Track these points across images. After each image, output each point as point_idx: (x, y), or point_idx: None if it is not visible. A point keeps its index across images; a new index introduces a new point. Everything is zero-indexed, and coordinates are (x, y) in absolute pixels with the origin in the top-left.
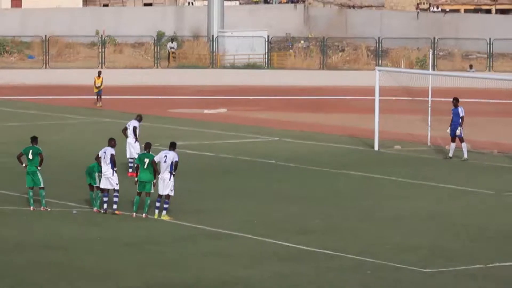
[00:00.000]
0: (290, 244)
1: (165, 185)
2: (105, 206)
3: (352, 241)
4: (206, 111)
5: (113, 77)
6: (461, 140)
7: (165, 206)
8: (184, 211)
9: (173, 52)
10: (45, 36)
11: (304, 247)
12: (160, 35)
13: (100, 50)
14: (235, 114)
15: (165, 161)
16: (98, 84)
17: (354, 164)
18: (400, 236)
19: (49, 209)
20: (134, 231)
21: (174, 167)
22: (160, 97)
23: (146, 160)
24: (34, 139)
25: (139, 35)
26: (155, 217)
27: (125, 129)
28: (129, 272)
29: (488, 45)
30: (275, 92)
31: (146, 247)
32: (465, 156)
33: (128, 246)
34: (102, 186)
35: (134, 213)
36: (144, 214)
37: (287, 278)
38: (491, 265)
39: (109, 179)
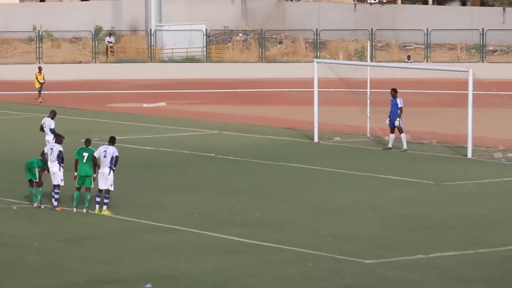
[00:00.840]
0: (231, 237)
1: (105, 179)
2: (55, 203)
3: (293, 233)
4: (145, 105)
5: (51, 72)
6: (400, 130)
7: (105, 201)
8: (124, 206)
9: (111, 47)
10: None
11: (246, 240)
12: (97, 30)
13: (37, 45)
14: (174, 107)
15: (104, 156)
16: (41, 80)
17: (294, 156)
18: (341, 228)
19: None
20: (75, 227)
21: (114, 162)
22: (98, 91)
23: (85, 154)
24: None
25: (77, 30)
26: (96, 212)
27: (42, 127)
28: (71, 267)
29: (426, 36)
30: (214, 85)
31: (87, 242)
32: (405, 146)
33: (69, 242)
34: (55, 182)
35: (75, 209)
36: (84, 209)
37: (230, 271)
38: (432, 255)
39: (54, 174)
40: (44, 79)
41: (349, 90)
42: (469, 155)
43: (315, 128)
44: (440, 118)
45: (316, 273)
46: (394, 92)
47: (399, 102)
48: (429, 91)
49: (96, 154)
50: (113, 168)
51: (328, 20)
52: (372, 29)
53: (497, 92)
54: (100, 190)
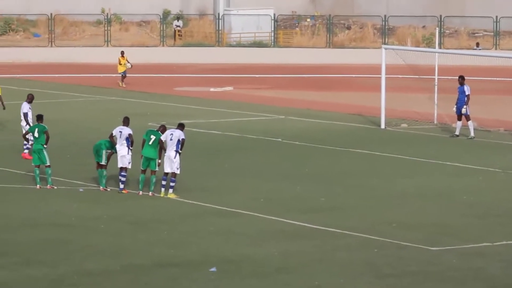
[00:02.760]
0: (296, 222)
1: (171, 163)
2: (121, 185)
3: (358, 219)
4: (212, 89)
5: (119, 55)
6: (467, 118)
7: (171, 184)
8: (190, 189)
9: (179, 31)
10: (51, 14)
11: (310, 225)
12: (166, 14)
13: (105, 28)
14: (241, 92)
15: (171, 139)
16: (128, 65)
17: (361, 142)
18: (406, 214)
19: (55, 187)
20: (141, 210)
21: (180, 145)
22: (166, 75)
23: (153, 137)
24: (39, 117)
25: (145, 13)
26: (161, 195)
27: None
28: (136, 250)
29: (495, 23)
30: (281, 70)
31: (153, 225)
32: (472, 134)
33: (134, 225)
34: (120, 165)
35: (140, 192)
36: (150, 193)
37: (293, 256)
38: (498, 243)
39: (123, 157)
40: (129, 63)
41: (417, 76)
42: None
43: (382, 115)
44: (508, 106)
45: (380, 260)
46: (461, 79)
47: (467, 89)
48: (497, 79)
49: (162, 137)
50: (179, 151)
51: (397, 7)
52: (440, 16)
53: None
54: (166, 173)
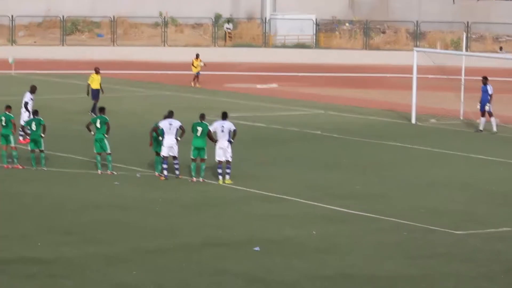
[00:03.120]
0: (334, 207)
1: (224, 152)
2: (165, 172)
3: (390, 206)
4: (258, 86)
5: (174, 54)
6: (490, 114)
7: (228, 171)
8: (237, 177)
9: (229, 33)
10: (113, 16)
11: (347, 210)
12: (217, 17)
13: (162, 30)
14: (285, 89)
15: (222, 131)
16: (202, 64)
17: (393, 136)
18: (434, 202)
19: (115, 173)
20: (192, 194)
21: (233, 135)
22: (217, 73)
23: (199, 129)
24: (101, 110)
25: (199, 16)
26: (220, 182)
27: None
28: (188, 231)
29: None
30: (322, 69)
31: (203, 209)
32: (494, 129)
33: (187, 208)
34: (163, 154)
35: (194, 178)
36: (201, 179)
37: (331, 237)
38: None
39: (172, 148)
40: (203, 62)
41: (445, 76)
42: None
43: (413, 110)
44: None
45: (410, 242)
46: (485, 80)
47: (489, 89)
48: None
49: (212, 129)
50: (231, 140)
51: (428, 13)
52: (468, 22)
53: None
54: (220, 162)
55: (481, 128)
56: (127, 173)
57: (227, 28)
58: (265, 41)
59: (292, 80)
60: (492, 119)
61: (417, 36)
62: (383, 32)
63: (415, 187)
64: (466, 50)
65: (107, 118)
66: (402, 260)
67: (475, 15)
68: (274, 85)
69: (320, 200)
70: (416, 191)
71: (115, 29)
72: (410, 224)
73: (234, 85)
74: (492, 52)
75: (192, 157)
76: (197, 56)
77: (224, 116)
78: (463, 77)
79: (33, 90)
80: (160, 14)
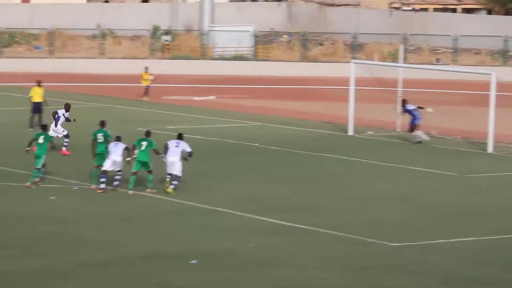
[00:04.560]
0: (272, 220)
1: (175, 167)
2: (103, 186)
3: (328, 218)
4: (196, 98)
5: (112, 67)
6: (418, 127)
7: (175, 182)
8: (176, 189)
9: (167, 44)
10: (51, 28)
11: (285, 223)
12: (155, 29)
13: (100, 42)
14: (223, 101)
15: (176, 146)
16: (151, 77)
17: (331, 148)
18: (372, 214)
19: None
20: (131, 207)
21: (187, 155)
22: (155, 85)
23: (144, 143)
24: (44, 127)
25: (137, 28)
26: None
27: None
28: (126, 243)
29: (454, 41)
30: (260, 81)
31: (141, 221)
32: (423, 138)
33: (125, 220)
34: (106, 168)
35: (131, 191)
36: (148, 190)
37: (269, 250)
38: (453, 240)
39: (116, 162)
40: (153, 75)
41: (382, 88)
42: (490, 150)
43: (350, 122)
44: (464, 116)
45: (348, 254)
46: (404, 103)
47: (410, 106)
48: (455, 91)
49: (169, 143)
50: (186, 158)
51: (366, 25)
52: (405, 34)
53: None
54: (170, 174)
55: (418, 139)
56: (64, 186)
57: (165, 40)
58: (204, 53)
59: (231, 92)
60: (419, 132)
61: (355, 48)
62: (321, 44)
63: (353, 199)
64: (404, 62)
65: (51, 136)
66: (340, 272)
67: (412, 27)
68: (212, 97)
69: (258, 213)
70: (354, 203)
71: (53, 41)
72: (348, 236)
73: (172, 97)
74: (429, 63)
75: (134, 170)
76: (146, 69)
77: (179, 137)
78: (400, 89)
79: (66, 108)
80: (98, 26)
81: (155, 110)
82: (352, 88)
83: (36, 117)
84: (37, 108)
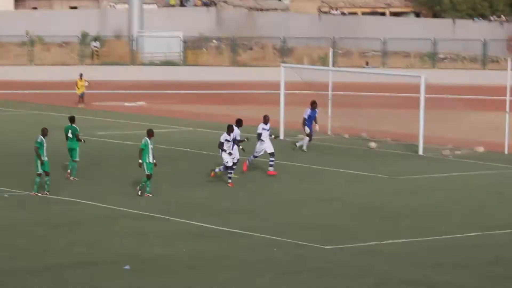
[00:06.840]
0: (203, 224)
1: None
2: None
3: (260, 221)
4: (126, 103)
5: (42, 73)
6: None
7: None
8: (106, 195)
9: (96, 51)
10: None
11: (216, 227)
12: (84, 35)
13: (29, 49)
14: (153, 106)
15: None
16: (86, 84)
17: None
18: (304, 217)
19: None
20: (61, 213)
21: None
22: (85, 91)
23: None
24: (71, 119)
25: (66, 35)
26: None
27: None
28: (57, 250)
29: (383, 44)
30: (190, 86)
31: (72, 228)
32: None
33: (56, 227)
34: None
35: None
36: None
37: (201, 254)
38: (385, 242)
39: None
40: (87, 81)
41: (313, 92)
42: (420, 152)
43: (281, 127)
44: (394, 119)
45: (280, 258)
46: (314, 104)
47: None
48: (385, 94)
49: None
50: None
51: (295, 29)
52: (334, 37)
53: (446, 96)
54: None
55: (304, 147)
56: None
57: (94, 46)
58: (133, 59)
59: (160, 98)
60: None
61: (284, 52)
62: (250, 49)
63: (285, 203)
64: (333, 66)
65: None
66: (272, 276)
67: (342, 30)
68: (142, 103)
69: (190, 217)
70: (286, 206)
71: None
72: (280, 239)
73: (102, 103)
74: (358, 67)
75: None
76: (81, 76)
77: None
78: (330, 92)
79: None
80: (27, 33)
81: (86, 116)
82: (282, 92)
83: None
84: None
